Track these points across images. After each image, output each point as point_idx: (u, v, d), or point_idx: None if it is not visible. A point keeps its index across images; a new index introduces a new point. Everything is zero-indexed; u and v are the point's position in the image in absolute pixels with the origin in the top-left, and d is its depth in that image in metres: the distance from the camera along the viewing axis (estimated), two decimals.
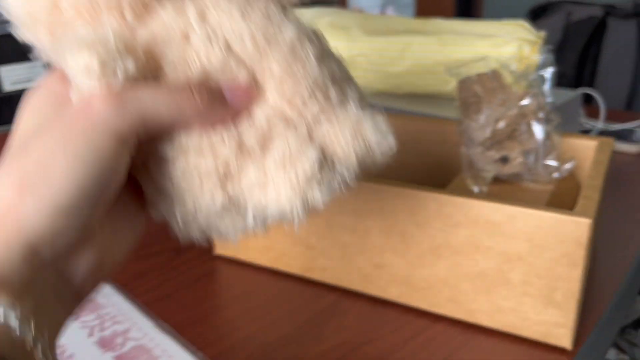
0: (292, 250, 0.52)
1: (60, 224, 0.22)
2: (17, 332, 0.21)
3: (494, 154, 0.50)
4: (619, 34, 1.25)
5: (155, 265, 0.56)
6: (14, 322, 0.21)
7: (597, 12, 1.27)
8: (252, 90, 0.26)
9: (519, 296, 0.43)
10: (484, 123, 0.50)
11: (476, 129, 0.50)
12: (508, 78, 0.52)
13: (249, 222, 0.27)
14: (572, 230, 0.39)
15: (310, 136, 0.27)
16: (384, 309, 0.48)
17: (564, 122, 0.76)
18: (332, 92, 0.27)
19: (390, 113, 0.57)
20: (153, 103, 0.23)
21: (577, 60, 1.28)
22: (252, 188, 0.26)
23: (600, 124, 0.85)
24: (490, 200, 0.41)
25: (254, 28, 0.26)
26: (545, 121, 0.50)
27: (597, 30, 1.27)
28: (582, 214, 0.39)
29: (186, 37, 0.25)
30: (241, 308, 0.49)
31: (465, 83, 0.53)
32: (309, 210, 0.26)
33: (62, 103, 0.24)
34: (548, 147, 0.50)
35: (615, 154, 0.83)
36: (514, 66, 0.53)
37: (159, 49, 0.25)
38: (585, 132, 0.86)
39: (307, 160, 0.26)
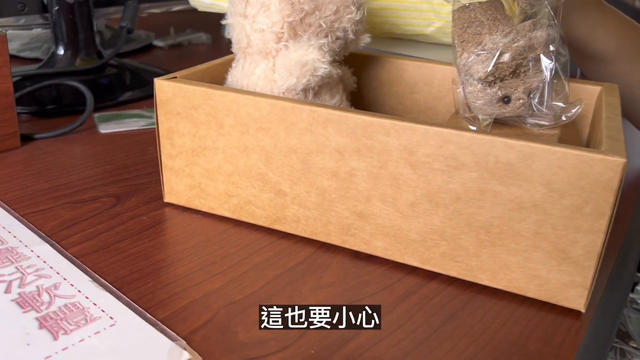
0: (258, 197, 0.44)
1: None
2: None
3: (496, 92, 0.44)
4: None
5: (90, 213, 0.46)
6: None
7: None
8: None
9: (529, 250, 0.37)
10: (487, 55, 0.43)
11: (476, 62, 0.43)
12: (511, 7, 0.46)
13: None
14: (601, 172, 0.33)
15: None
16: (366, 265, 0.41)
17: None
18: None
19: (365, 51, 0.49)
20: None
21: None
22: None
23: None
24: (506, 137, 0.35)
25: None
26: (555, 57, 0.44)
27: None
28: (614, 153, 0.33)
29: None
30: (196, 263, 0.41)
31: (463, 11, 0.46)
32: None
33: None
34: (556, 86, 0.44)
35: None
36: None
37: None
38: None
39: None
